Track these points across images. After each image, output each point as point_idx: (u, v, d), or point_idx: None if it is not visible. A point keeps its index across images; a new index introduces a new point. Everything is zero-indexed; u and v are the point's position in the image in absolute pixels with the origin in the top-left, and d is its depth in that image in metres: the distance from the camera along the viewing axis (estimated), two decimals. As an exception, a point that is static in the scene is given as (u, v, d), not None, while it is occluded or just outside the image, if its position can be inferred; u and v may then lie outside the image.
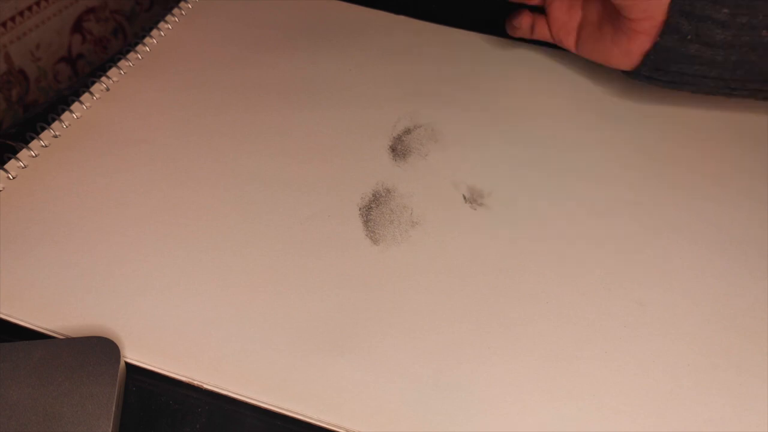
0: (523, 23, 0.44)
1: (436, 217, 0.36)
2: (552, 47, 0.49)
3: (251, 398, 0.28)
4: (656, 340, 0.31)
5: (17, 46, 0.51)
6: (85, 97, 0.41)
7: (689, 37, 0.36)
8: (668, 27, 0.36)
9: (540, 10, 0.46)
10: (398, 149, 0.40)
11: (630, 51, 0.39)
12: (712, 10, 0.35)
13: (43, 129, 0.38)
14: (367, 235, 0.35)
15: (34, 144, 0.37)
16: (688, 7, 0.35)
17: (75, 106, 0.40)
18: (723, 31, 0.35)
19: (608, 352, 0.31)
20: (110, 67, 0.43)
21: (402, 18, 0.51)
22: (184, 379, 0.29)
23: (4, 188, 0.35)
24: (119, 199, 0.35)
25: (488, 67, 0.47)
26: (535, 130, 0.42)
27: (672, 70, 0.38)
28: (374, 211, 0.36)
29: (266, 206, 0.36)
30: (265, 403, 0.28)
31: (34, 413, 0.26)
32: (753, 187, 0.40)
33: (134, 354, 0.29)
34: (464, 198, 0.38)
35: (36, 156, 0.37)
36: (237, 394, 0.28)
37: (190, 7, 0.49)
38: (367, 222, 0.36)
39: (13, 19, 0.50)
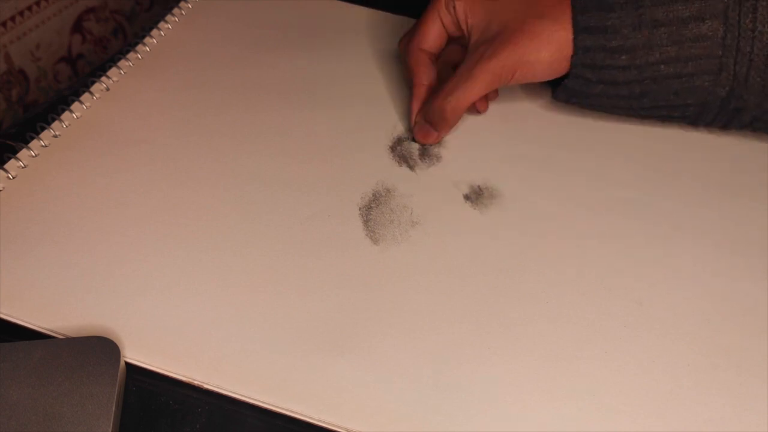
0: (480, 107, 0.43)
1: (436, 217, 0.36)
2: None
3: (251, 398, 0.28)
4: (656, 340, 0.31)
5: (17, 46, 0.51)
6: (85, 97, 0.41)
7: (594, 80, 0.38)
8: (573, 75, 0.38)
9: None
10: (398, 149, 0.40)
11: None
12: (612, 60, 0.37)
13: (43, 129, 0.38)
14: (367, 235, 0.35)
15: (34, 144, 0.37)
16: (590, 60, 0.37)
17: (75, 106, 0.40)
18: (624, 73, 0.37)
19: (608, 352, 0.31)
20: (110, 67, 0.43)
21: (402, 18, 0.51)
22: (184, 379, 0.29)
23: (4, 188, 0.35)
24: (119, 199, 0.35)
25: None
26: (535, 130, 0.42)
27: (584, 102, 0.41)
28: (374, 210, 0.36)
29: (266, 206, 0.36)
30: (266, 403, 0.28)
31: (34, 413, 0.26)
32: (753, 186, 0.40)
33: (134, 354, 0.29)
34: (465, 197, 0.38)
35: (36, 156, 0.37)
36: (237, 394, 0.28)
37: (190, 7, 0.49)
38: (367, 222, 0.36)
39: (13, 19, 0.50)
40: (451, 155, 0.40)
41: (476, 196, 0.38)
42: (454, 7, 0.40)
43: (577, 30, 0.37)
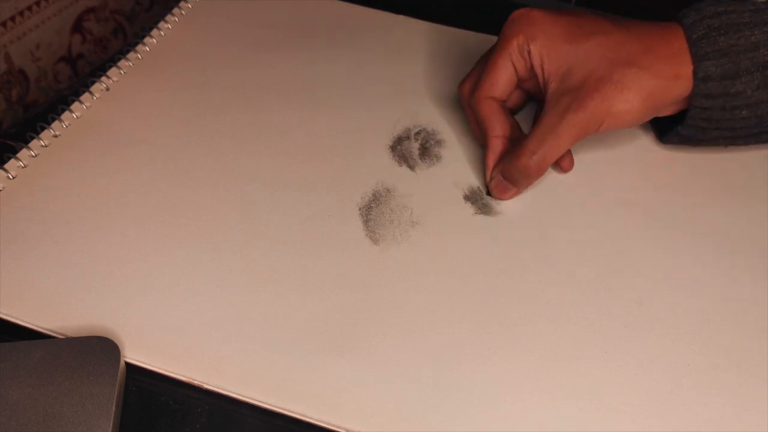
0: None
1: (436, 217, 0.36)
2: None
3: (251, 398, 0.28)
4: (656, 340, 0.31)
5: (17, 46, 0.51)
6: (85, 97, 0.41)
7: (710, 128, 0.37)
8: (688, 125, 0.37)
9: None
10: (398, 149, 0.40)
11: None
12: (731, 115, 0.36)
13: (43, 129, 0.38)
14: (367, 235, 0.35)
15: (34, 144, 0.37)
16: (707, 116, 0.36)
17: (75, 106, 0.40)
18: (744, 121, 0.37)
19: (608, 352, 0.31)
20: (110, 67, 0.43)
21: (402, 18, 0.51)
22: (184, 379, 0.28)
23: (4, 188, 0.35)
24: (119, 199, 0.35)
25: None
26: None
27: (695, 144, 0.40)
28: (374, 210, 0.36)
29: (266, 206, 0.36)
30: (266, 403, 0.28)
31: (34, 413, 0.26)
32: (753, 186, 0.40)
33: (134, 354, 0.29)
34: (465, 198, 0.38)
35: (36, 156, 0.37)
36: (237, 394, 0.28)
37: (190, 7, 0.49)
38: (367, 222, 0.36)
39: (13, 19, 0.50)
40: (451, 155, 0.40)
41: (477, 196, 0.38)
42: (529, 52, 0.37)
43: (698, 96, 0.36)
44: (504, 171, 0.37)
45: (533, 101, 0.43)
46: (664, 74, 0.35)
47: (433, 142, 0.41)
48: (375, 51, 0.47)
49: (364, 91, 0.44)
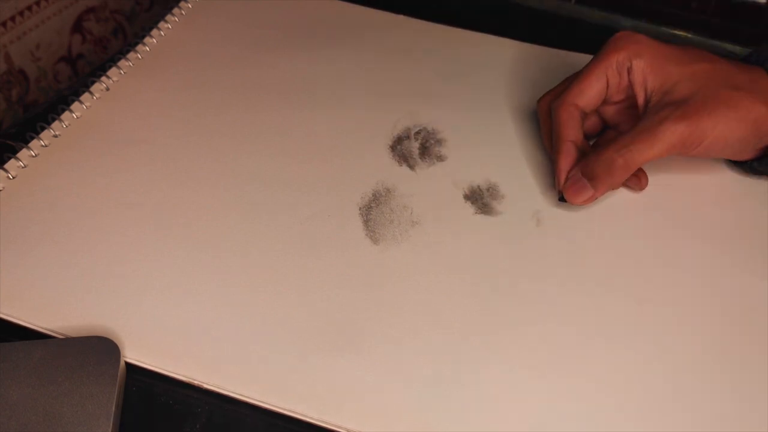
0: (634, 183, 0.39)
1: (436, 216, 0.36)
2: (553, 46, 0.49)
3: (251, 398, 0.28)
4: (656, 340, 0.31)
5: (17, 46, 0.51)
6: (85, 96, 0.41)
7: None
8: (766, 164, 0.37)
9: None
10: (398, 149, 0.40)
11: None
12: None
13: (43, 129, 0.38)
14: (367, 235, 0.35)
15: (34, 144, 0.37)
16: None
17: (75, 105, 0.40)
18: None
19: (608, 352, 0.31)
20: (110, 67, 0.43)
21: (402, 18, 0.51)
22: (184, 379, 0.28)
23: (4, 188, 0.35)
24: (119, 199, 0.35)
25: (488, 67, 0.47)
26: (535, 129, 0.42)
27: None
28: (374, 210, 0.36)
29: (266, 206, 0.36)
30: (266, 403, 0.28)
31: (34, 413, 0.26)
32: (754, 186, 0.40)
33: (134, 354, 0.29)
34: (465, 197, 0.38)
35: (36, 156, 0.37)
36: (237, 394, 0.28)
37: (190, 7, 0.49)
38: (367, 222, 0.36)
39: (13, 18, 0.50)
40: (451, 155, 0.40)
41: (477, 195, 0.38)
42: (630, 69, 0.36)
43: None
44: (585, 166, 0.35)
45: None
46: None
47: (433, 142, 0.41)
48: (375, 51, 0.47)
49: (364, 91, 0.44)
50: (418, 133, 0.41)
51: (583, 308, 0.32)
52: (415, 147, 0.40)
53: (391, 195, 0.37)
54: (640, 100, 0.37)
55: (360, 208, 0.36)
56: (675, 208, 0.38)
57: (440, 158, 0.40)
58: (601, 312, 0.32)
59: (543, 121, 0.40)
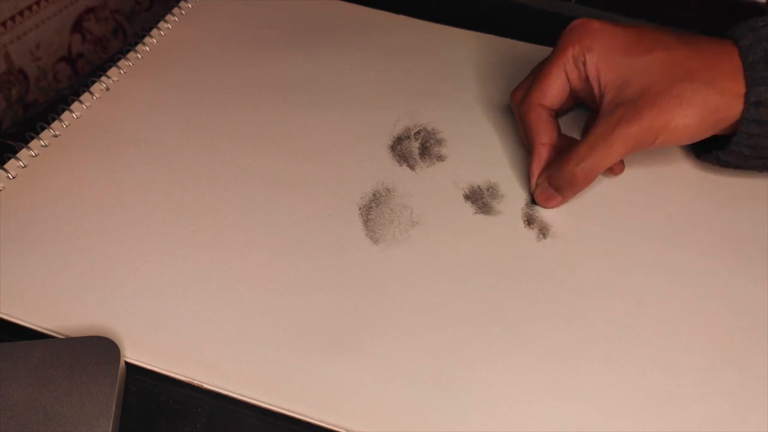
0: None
1: (436, 216, 0.36)
2: (553, 46, 0.49)
3: (251, 398, 0.28)
4: (656, 340, 0.31)
5: (17, 45, 0.51)
6: (85, 96, 0.41)
7: (752, 156, 0.36)
8: (730, 151, 0.36)
9: None
10: (398, 149, 0.40)
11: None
12: None
13: (43, 129, 0.38)
14: (367, 235, 0.35)
15: (34, 144, 0.37)
16: (753, 143, 0.35)
17: (75, 105, 0.40)
18: None
19: (608, 352, 0.31)
20: (110, 67, 0.43)
21: (402, 18, 0.51)
22: (184, 379, 0.29)
23: (4, 188, 0.35)
24: (119, 199, 0.35)
25: (489, 66, 0.47)
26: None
27: (733, 167, 0.39)
28: (374, 210, 0.36)
29: (266, 206, 0.36)
30: (266, 403, 0.28)
31: (34, 413, 0.26)
32: (754, 186, 0.40)
33: (134, 354, 0.29)
34: (465, 197, 0.38)
35: (36, 156, 0.37)
36: (237, 394, 0.28)
37: (190, 6, 0.49)
38: (367, 222, 0.36)
39: (13, 18, 0.50)
40: (451, 154, 0.40)
41: (477, 195, 0.38)
42: (584, 62, 0.36)
43: (747, 121, 0.34)
44: (550, 178, 0.36)
45: (584, 108, 0.43)
46: (727, 91, 0.34)
47: (433, 142, 0.41)
48: (375, 51, 0.47)
49: (364, 91, 0.44)
50: (418, 132, 0.41)
51: (584, 308, 0.32)
52: (415, 147, 0.40)
53: (391, 195, 0.37)
54: (596, 93, 0.37)
55: (360, 208, 0.36)
56: (675, 208, 0.38)
57: (440, 158, 0.40)
58: (601, 312, 0.32)
59: (516, 116, 0.41)
